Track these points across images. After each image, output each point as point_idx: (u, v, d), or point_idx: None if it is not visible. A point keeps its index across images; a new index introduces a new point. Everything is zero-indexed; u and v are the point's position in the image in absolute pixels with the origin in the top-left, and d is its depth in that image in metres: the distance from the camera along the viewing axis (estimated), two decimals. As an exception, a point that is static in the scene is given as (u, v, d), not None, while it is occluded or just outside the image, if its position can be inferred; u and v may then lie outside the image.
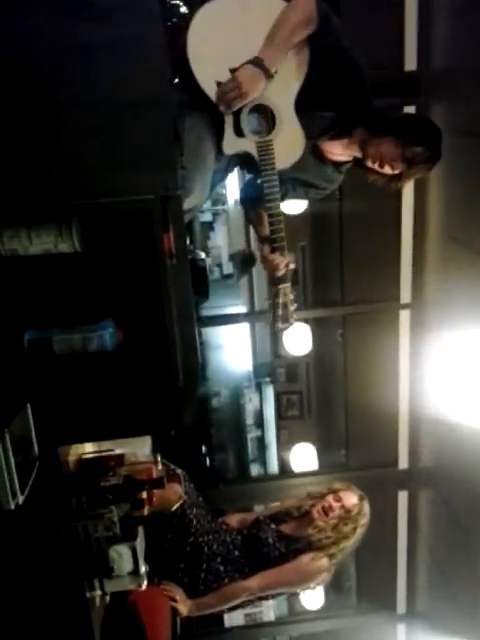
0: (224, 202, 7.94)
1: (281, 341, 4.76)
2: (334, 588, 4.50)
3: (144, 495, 1.86)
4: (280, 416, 6.87)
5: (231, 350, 7.26)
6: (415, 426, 3.80)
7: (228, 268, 7.90)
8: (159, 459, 2.07)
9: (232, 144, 1.84)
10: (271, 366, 6.93)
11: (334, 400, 5.44)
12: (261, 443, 7.00)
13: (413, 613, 4.14)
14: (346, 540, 2.33)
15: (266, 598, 2.52)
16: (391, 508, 3.99)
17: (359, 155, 1.95)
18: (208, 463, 6.42)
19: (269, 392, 6.88)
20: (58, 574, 1.62)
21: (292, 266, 1.96)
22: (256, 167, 1.88)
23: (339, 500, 2.39)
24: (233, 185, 6.21)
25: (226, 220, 8.15)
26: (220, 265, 8.09)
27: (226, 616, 4.14)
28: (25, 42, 1.26)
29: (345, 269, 4.11)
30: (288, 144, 1.87)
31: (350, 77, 1.87)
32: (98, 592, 1.77)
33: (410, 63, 3.16)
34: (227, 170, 2.09)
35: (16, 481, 1.35)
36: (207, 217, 8.31)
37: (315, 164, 2.04)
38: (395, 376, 3.76)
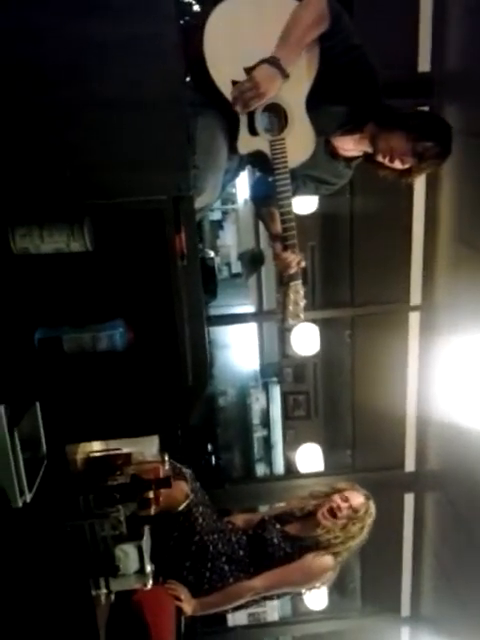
0: (234, 201, 7.94)
1: (289, 341, 4.75)
2: (338, 589, 4.49)
3: (151, 494, 1.86)
4: (287, 416, 6.86)
5: (238, 349, 7.26)
6: (422, 429, 3.79)
7: (237, 267, 7.90)
8: (166, 458, 2.07)
9: (246, 143, 1.84)
10: (278, 366, 6.92)
11: (341, 401, 5.43)
12: (267, 443, 6.99)
13: (417, 616, 4.13)
14: (353, 539, 2.33)
15: (271, 598, 2.52)
16: (397, 510, 3.98)
17: (370, 150, 1.96)
18: (214, 462, 6.42)
19: (276, 392, 6.87)
20: (64, 572, 1.62)
21: (303, 264, 1.97)
22: (268, 166, 1.88)
23: (346, 500, 2.38)
24: (243, 184, 6.21)
25: (236, 219, 8.14)
26: (229, 264, 8.09)
27: (230, 616, 4.14)
28: (40, 41, 1.26)
29: (355, 270, 4.09)
30: (299, 142, 1.87)
31: (361, 73, 1.87)
32: (104, 591, 1.77)
33: (424, 64, 3.15)
34: (238, 169, 2.09)
35: (24, 479, 1.35)
36: (216, 216, 8.31)
37: (327, 160, 2.05)
38: (403, 378, 3.74)
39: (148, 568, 1.78)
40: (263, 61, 1.72)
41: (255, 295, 6.69)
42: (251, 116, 1.79)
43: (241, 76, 1.74)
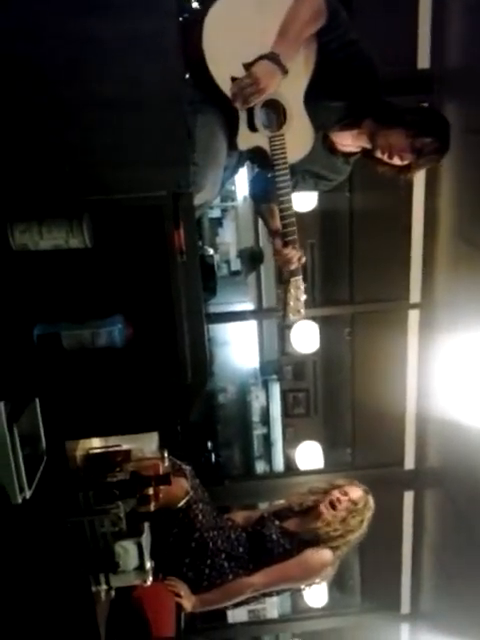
0: (233, 198, 7.93)
1: (288, 339, 4.75)
2: (338, 586, 4.50)
3: (151, 491, 1.87)
4: (286, 414, 6.87)
5: (238, 347, 7.26)
6: (422, 426, 3.79)
7: (236, 265, 7.89)
8: (166, 455, 2.07)
9: (246, 139, 1.84)
10: (278, 364, 6.93)
11: (341, 399, 5.43)
12: (267, 440, 6.99)
13: (417, 613, 4.13)
14: (352, 533, 2.34)
15: (270, 595, 2.52)
16: (397, 508, 3.98)
17: (368, 146, 1.96)
18: (213, 459, 6.43)
19: (276, 390, 6.88)
20: (64, 569, 1.62)
21: (304, 259, 1.97)
22: (267, 162, 1.88)
23: (345, 494, 2.39)
24: (242, 181, 6.20)
25: (235, 216, 8.13)
26: (228, 262, 8.08)
27: (229, 612, 4.15)
28: (39, 39, 1.26)
29: (354, 267, 4.09)
30: (298, 137, 1.87)
31: (358, 68, 1.87)
32: (104, 587, 1.78)
33: (423, 60, 3.14)
34: (237, 166, 2.09)
35: (24, 475, 1.36)
36: (216, 213, 8.30)
37: (325, 155, 2.05)
38: (403, 376, 3.74)
39: (148, 564, 1.78)
40: (262, 57, 1.72)
41: (254, 293, 6.69)
42: (250, 112, 1.79)
43: (240, 72, 1.74)
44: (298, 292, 1.96)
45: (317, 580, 2.38)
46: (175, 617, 2.18)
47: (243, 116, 1.80)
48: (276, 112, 1.83)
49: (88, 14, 1.27)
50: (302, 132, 1.87)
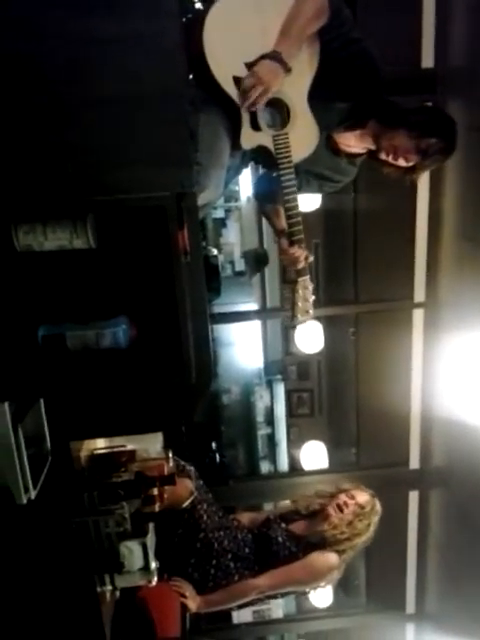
0: (237, 199, 7.93)
1: (292, 339, 4.75)
2: (343, 587, 4.49)
3: (155, 491, 1.87)
4: (291, 414, 6.87)
5: (242, 347, 7.26)
6: (427, 426, 3.78)
7: (240, 265, 7.89)
8: (170, 455, 2.07)
9: (249, 138, 1.84)
10: (282, 364, 6.92)
11: (345, 398, 5.43)
12: (271, 440, 6.99)
13: (422, 613, 4.13)
14: (359, 537, 2.33)
15: (275, 597, 2.52)
16: (402, 508, 3.98)
17: (373, 147, 1.95)
18: (218, 459, 6.43)
19: (280, 390, 6.87)
20: (69, 569, 1.63)
21: (311, 258, 1.96)
22: (271, 161, 1.88)
23: (353, 498, 2.39)
24: (246, 182, 6.20)
25: (239, 217, 8.14)
26: (232, 262, 8.08)
27: (234, 613, 4.14)
28: (41, 38, 1.26)
29: (359, 267, 4.09)
30: (303, 136, 1.87)
31: (360, 67, 1.86)
32: (108, 587, 1.78)
33: (427, 60, 3.14)
34: (240, 166, 2.08)
35: (28, 476, 1.36)
36: (220, 214, 8.31)
37: (329, 156, 2.04)
38: (407, 375, 3.74)
39: (153, 565, 1.79)
40: (264, 56, 1.72)
41: (258, 293, 6.69)
42: (253, 111, 1.79)
43: (242, 71, 1.74)
44: (306, 292, 1.95)
45: (322, 583, 2.38)
46: (180, 617, 2.18)
47: (246, 115, 1.80)
48: (280, 111, 1.83)
49: (90, 14, 1.27)
50: (306, 131, 1.87)
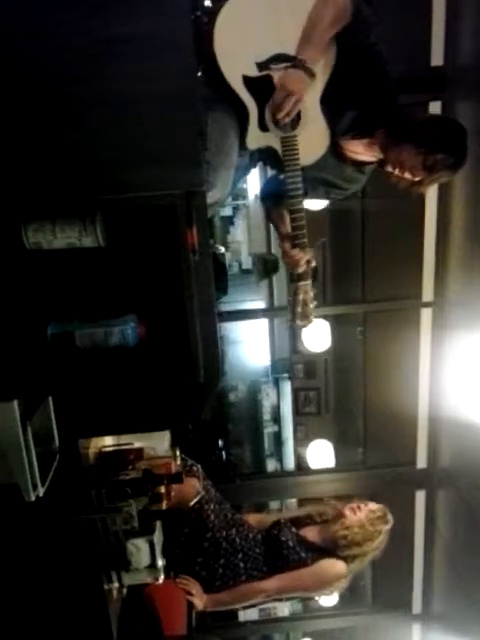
0: (244, 197, 7.94)
1: (300, 337, 4.75)
2: (349, 586, 4.48)
3: (162, 489, 1.87)
4: (297, 412, 6.87)
5: (249, 345, 7.26)
6: (434, 425, 3.77)
7: (247, 263, 7.90)
8: (178, 454, 2.07)
9: (256, 138, 1.83)
10: (289, 362, 6.93)
11: (352, 397, 5.42)
12: (278, 439, 7.01)
13: (429, 613, 4.12)
14: (370, 542, 2.33)
15: (280, 600, 2.53)
16: (408, 508, 3.97)
17: (381, 156, 1.93)
18: (224, 457, 6.44)
19: (287, 388, 6.89)
20: (76, 566, 1.63)
21: (313, 264, 1.95)
22: (279, 163, 1.87)
23: (366, 504, 2.42)
24: (254, 180, 6.20)
25: (246, 215, 8.14)
26: (239, 260, 8.09)
27: (241, 611, 4.15)
28: (53, 37, 1.26)
29: (366, 266, 4.08)
30: (313, 140, 1.85)
31: (374, 74, 1.84)
32: (116, 584, 1.79)
33: (437, 58, 3.12)
34: (249, 166, 2.07)
35: (37, 473, 1.36)
36: (227, 211, 8.32)
37: (335, 163, 2.01)
38: (415, 375, 3.72)
39: (160, 563, 1.79)
40: (288, 66, 1.71)
41: (266, 291, 6.69)
42: (261, 112, 1.78)
43: (252, 71, 1.73)
44: (306, 297, 1.93)
45: (330, 591, 2.39)
46: (186, 615, 2.19)
47: (254, 115, 1.79)
48: None
49: (101, 13, 1.27)
50: (317, 135, 1.85)
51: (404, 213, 3.58)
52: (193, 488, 2.31)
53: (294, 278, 1.95)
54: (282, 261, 2.04)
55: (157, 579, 1.82)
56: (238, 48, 1.74)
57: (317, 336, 4.40)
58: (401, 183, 1.93)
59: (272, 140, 1.82)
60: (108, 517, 1.72)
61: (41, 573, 1.58)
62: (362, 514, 2.37)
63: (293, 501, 5.33)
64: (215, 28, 1.71)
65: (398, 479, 3.92)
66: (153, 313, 1.46)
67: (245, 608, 2.45)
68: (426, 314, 3.63)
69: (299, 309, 1.95)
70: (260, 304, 6.81)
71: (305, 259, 1.91)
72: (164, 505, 1.87)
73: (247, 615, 4.42)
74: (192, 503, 2.30)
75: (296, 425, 6.86)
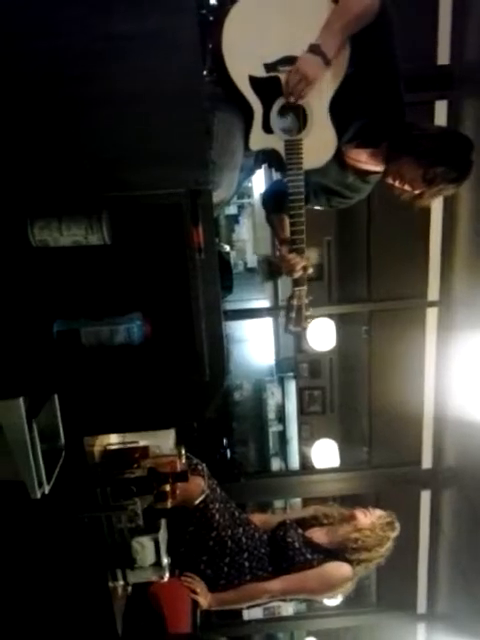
0: (250, 195, 7.93)
1: (304, 336, 4.74)
2: (354, 585, 4.48)
3: (168, 488, 1.87)
4: (302, 411, 6.87)
5: (254, 344, 7.26)
6: (440, 425, 3.76)
7: (252, 262, 7.89)
8: (183, 452, 2.07)
9: (259, 140, 1.82)
10: (294, 361, 6.92)
11: (357, 397, 5.41)
12: (282, 438, 7.01)
13: (434, 613, 4.11)
14: (378, 546, 2.33)
15: (284, 600, 2.53)
16: (413, 507, 3.96)
17: (383, 167, 1.92)
18: (229, 456, 6.44)
19: (291, 387, 6.88)
20: (81, 564, 1.64)
21: (310, 271, 1.94)
22: (282, 165, 1.86)
23: (373, 511, 2.42)
24: (259, 179, 6.19)
25: (251, 214, 8.14)
26: (244, 259, 8.09)
27: (245, 610, 4.15)
28: (58, 35, 1.26)
29: (372, 265, 4.07)
30: (318, 145, 1.83)
31: (390, 84, 1.82)
32: (120, 582, 1.79)
33: (443, 56, 3.10)
34: (254, 167, 2.07)
35: (42, 471, 1.37)
36: (232, 210, 8.31)
37: (336, 170, 1.99)
38: (420, 374, 3.72)
39: (164, 561, 1.80)
40: (306, 51, 1.69)
41: (271, 290, 6.69)
42: (266, 113, 1.77)
43: (260, 72, 1.72)
44: (301, 303, 1.94)
45: (334, 594, 2.38)
46: (191, 613, 2.19)
47: (258, 116, 1.78)
48: (297, 116, 1.81)
49: (106, 11, 1.27)
50: (323, 139, 1.83)
51: (410, 212, 3.56)
52: (198, 486, 2.31)
53: (293, 282, 1.95)
54: (280, 264, 2.04)
55: (162, 577, 1.83)
56: (246, 48, 1.73)
57: (322, 335, 4.39)
58: (403, 195, 1.91)
59: (275, 142, 1.81)
60: (113, 515, 1.72)
61: (46, 570, 1.58)
62: (373, 517, 2.38)
63: (297, 501, 5.33)
64: (224, 27, 1.70)
65: (403, 479, 3.92)
66: (159, 311, 1.46)
67: (249, 607, 2.44)
68: (432, 313, 3.62)
69: (293, 314, 1.95)
70: (265, 303, 6.80)
71: (301, 265, 1.90)
72: (169, 503, 1.87)
73: (251, 614, 4.42)
74: (197, 501, 2.30)
75: (301, 424, 6.86)
